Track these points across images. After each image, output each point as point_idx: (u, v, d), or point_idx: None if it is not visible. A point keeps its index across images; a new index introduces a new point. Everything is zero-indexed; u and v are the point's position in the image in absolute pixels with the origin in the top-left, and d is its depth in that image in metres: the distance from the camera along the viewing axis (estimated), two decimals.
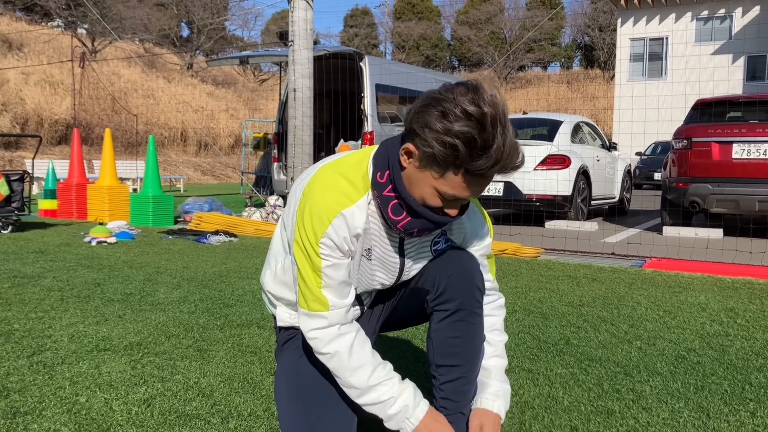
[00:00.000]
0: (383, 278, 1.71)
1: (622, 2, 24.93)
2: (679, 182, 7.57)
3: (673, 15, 24.46)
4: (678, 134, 7.75)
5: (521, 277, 4.85)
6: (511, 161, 1.40)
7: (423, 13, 49.12)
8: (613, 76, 29.37)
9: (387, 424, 1.62)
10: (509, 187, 8.56)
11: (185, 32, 41.61)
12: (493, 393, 1.74)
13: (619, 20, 25.58)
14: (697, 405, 2.27)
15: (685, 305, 3.92)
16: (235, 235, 7.02)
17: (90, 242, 6.41)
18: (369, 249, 1.64)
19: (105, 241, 6.42)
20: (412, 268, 1.74)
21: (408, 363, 2.70)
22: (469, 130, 1.34)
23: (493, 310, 1.84)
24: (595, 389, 2.42)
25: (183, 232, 7.24)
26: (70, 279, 4.49)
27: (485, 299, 1.78)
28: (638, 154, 20.26)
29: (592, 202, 9.34)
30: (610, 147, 10.33)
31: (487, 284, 1.79)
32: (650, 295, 4.23)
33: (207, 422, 2.08)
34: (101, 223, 7.46)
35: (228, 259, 5.57)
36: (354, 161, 1.60)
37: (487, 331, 1.78)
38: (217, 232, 6.95)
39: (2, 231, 7.27)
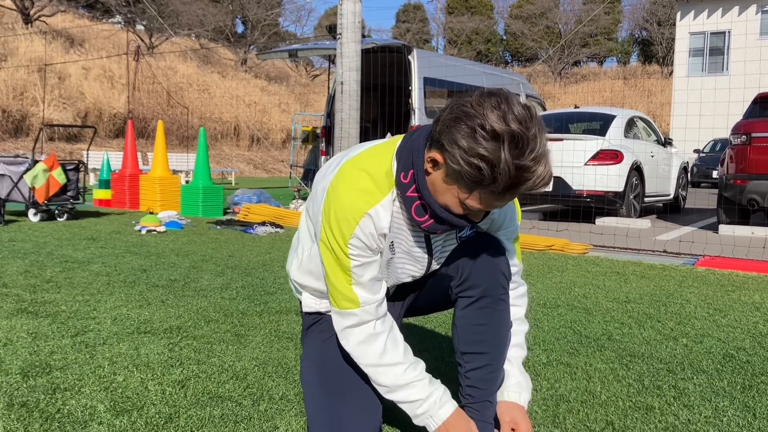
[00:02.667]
0: (413, 270, 1.69)
1: None
2: (737, 179, 7.30)
3: (737, 8, 23.59)
4: (736, 129, 7.47)
5: (567, 272, 4.75)
6: (541, 181, 1.33)
7: (476, 7, 48.69)
8: (672, 71, 28.58)
9: (413, 420, 1.62)
10: (558, 182, 8.40)
11: (240, 28, 42.27)
12: (517, 384, 1.73)
13: (679, 14, 24.83)
14: (743, 404, 2.18)
15: (737, 304, 3.77)
16: (281, 226, 7.08)
17: (140, 231, 6.56)
18: (392, 243, 1.61)
19: (155, 230, 6.56)
20: (440, 258, 1.71)
21: (432, 349, 2.67)
22: (495, 152, 1.28)
23: (516, 300, 1.80)
24: (635, 385, 2.35)
25: (231, 223, 7.35)
26: (118, 265, 4.60)
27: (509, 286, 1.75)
28: (696, 151, 19.67)
29: (646, 199, 9.09)
30: (666, 143, 10.03)
31: (512, 269, 1.75)
32: (701, 293, 4.09)
33: (238, 404, 2.09)
34: (152, 213, 7.63)
35: (273, 249, 5.62)
36: (377, 157, 1.56)
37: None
38: (264, 223, 7.03)
39: (58, 218, 7.51)
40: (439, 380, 1.66)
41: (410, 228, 1.61)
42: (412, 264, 1.68)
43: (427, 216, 1.50)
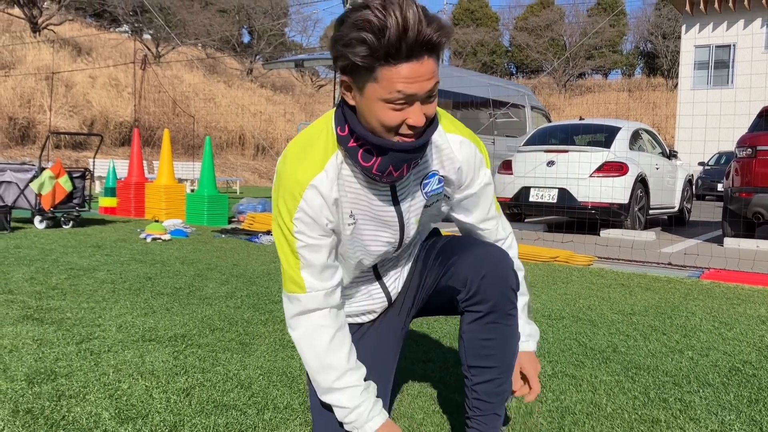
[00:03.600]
0: (386, 236, 1.61)
1: (687, 8, 24.25)
2: (742, 192, 7.29)
3: (742, 21, 23.64)
4: (742, 142, 7.46)
5: (572, 284, 4.75)
6: (421, 28, 1.29)
7: (481, 19, 48.87)
8: (677, 84, 28.60)
9: (344, 427, 1.61)
10: (563, 193, 8.40)
11: (246, 38, 42.48)
12: (526, 333, 1.80)
13: (684, 27, 24.88)
14: (750, 418, 2.17)
15: (743, 317, 3.76)
16: None
17: (145, 239, 6.57)
18: (351, 211, 1.54)
19: (160, 238, 6.58)
20: (412, 220, 1.63)
21: (437, 359, 2.66)
22: (361, 17, 1.28)
23: (508, 250, 1.81)
24: (641, 398, 2.34)
25: (236, 232, 7.36)
26: (123, 272, 4.61)
27: (501, 243, 1.81)
28: (701, 164, 19.67)
29: (650, 212, 9.08)
30: (671, 155, 10.03)
31: (489, 224, 1.76)
32: (706, 305, 4.07)
33: (243, 413, 2.09)
34: (157, 221, 7.64)
35: (277, 258, 5.63)
36: (316, 127, 1.54)
37: None
38: (268, 232, 7.04)
39: (64, 225, 7.53)
40: (374, 389, 1.62)
41: (369, 188, 1.54)
42: (384, 229, 1.60)
43: (374, 156, 1.44)
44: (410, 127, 1.38)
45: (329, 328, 1.56)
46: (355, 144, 1.45)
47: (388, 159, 1.43)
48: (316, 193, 1.47)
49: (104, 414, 2.04)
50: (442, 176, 1.62)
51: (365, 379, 1.61)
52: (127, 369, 2.48)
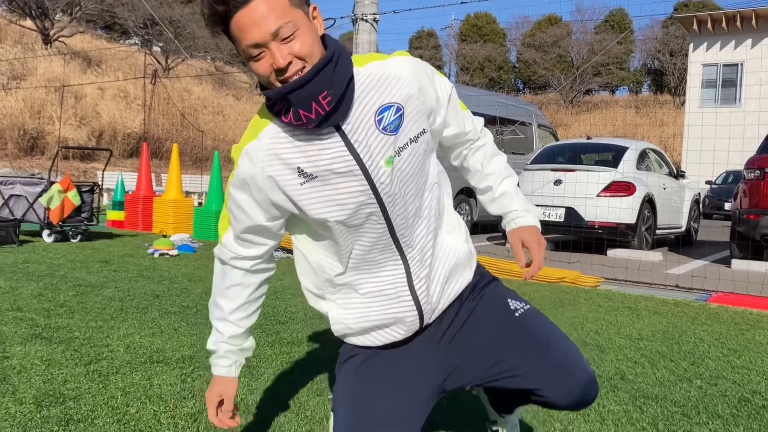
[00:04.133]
0: (354, 185, 1.48)
1: (695, 27, 24.31)
2: (750, 214, 7.27)
3: (750, 40, 23.68)
4: (750, 164, 7.45)
5: (579, 306, 4.73)
6: None
7: (489, 35, 49.07)
8: (684, 102, 28.61)
9: None
10: (570, 213, 8.39)
11: None
12: (522, 209, 1.76)
13: (691, 45, 24.92)
14: None
15: (752, 344, 3.74)
16: (292, 252, 7.10)
17: (153, 254, 6.59)
18: (299, 167, 1.48)
19: (167, 254, 6.60)
20: (379, 162, 1.48)
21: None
22: None
23: (481, 147, 1.79)
24: (649, 429, 2.33)
25: None
26: (131, 290, 4.62)
27: (472, 144, 1.78)
28: (708, 182, 19.62)
29: (657, 232, 9.06)
30: (678, 175, 10.02)
31: (466, 128, 1.72)
32: (714, 331, 4.05)
33: None
34: (165, 236, 7.67)
35: (284, 275, 5.63)
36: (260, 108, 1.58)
37: (483, 163, 1.78)
38: (277, 249, 7.04)
39: (72, 239, 7.56)
40: (248, 349, 1.75)
41: (315, 140, 1.47)
42: (347, 179, 1.48)
43: (283, 110, 1.44)
44: (278, 71, 1.36)
45: (231, 281, 1.67)
46: (273, 106, 1.47)
47: (293, 105, 1.40)
48: (247, 159, 1.50)
49: None
50: (397, 104, 1.50)
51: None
52: (135, 392, 2.48)
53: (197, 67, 33.30)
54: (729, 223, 8.66)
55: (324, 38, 1.44)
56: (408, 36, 63.52)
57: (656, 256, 8.06)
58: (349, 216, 1.51)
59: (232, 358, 1.71)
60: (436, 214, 1.64)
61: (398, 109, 1.49)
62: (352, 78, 1.45)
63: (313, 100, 1.38)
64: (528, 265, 1.70)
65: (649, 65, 48.43)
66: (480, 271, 1.78)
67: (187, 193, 16.28)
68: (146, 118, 21.40)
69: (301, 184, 1.49)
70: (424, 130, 1.54)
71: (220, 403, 1.70)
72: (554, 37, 44.97)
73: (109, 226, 9.74)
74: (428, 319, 1.65)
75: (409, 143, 1.51)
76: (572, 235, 8.66)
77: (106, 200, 15.17)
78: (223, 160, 24.05)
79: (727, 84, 24.02)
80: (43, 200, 7.27)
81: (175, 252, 6.70)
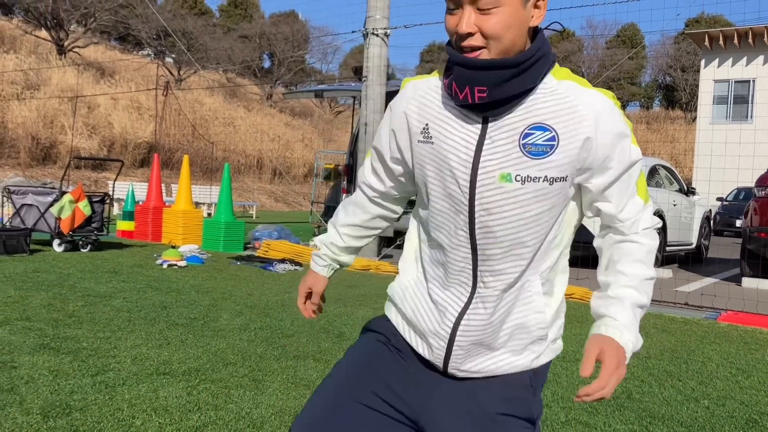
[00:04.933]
0: (459, 172, 1.34)
1: (707, 43, 24.29)
2: (761, 232, 7.23)
3: (761, 57, 23.63)
4: (761, 182, 7.42)
5: (587, 323, 4.71)
6: None
7: None
8: (695, 117, 28.54)
9: None
10: (580, 228, 8.36)
11: (266, 64, 43.02)
12: (624, 325, 1.33)
13: (703, 61, 24.89)
14: None
15: (761, 364, 3.71)
16: (300, 264, 7.11)
17: (161, 265, 6.62)
18: (427, 125, 1.39)
19: (176, 264, 6.62)
20: (493, 171, 1.32)
21: None
22: None
23: (638, 237, 1.40)
24: None
25: (251, 259, 7.39)
26: (139, 300, 4.64)
27: (620, 234, 1.42)
28: (719, 199, 19.52)
29: (667, 249, 9.01)
30: (689, 192, 9.98)
31: (627, 212, 1.40)
32: (723, 350, 4.02)
33: None
34: (174, 246, 7.70)
35: (291, 287, 5.64)
36: None
37: (622, 258, 1.39)
38: (283, 260, 7.06)
39: (82, 249, 7.60)
40: (351, 255, 1.72)
41: (459, 115, 1.36)
42: (454, 165, 1.34)
43: (449, 73, 1.34)
44: (460, 36, 1.27)
45: (355, 198, 1.67)
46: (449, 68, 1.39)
47: (453, 75, 1.31)
48: (406, 90, 1.46)
49: None
50: (555, 133, 1.30)
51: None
52: (141, 404, 2.49)
53: (209, 78, 33.55)
54: (740, 240, 8.61)
55: (536, 33, 1.33)
56: (419, 50, 63.78)
57: (666, 273, 8.02)
58: (436, 200, 1.40)
59: (327, 260, 1.72)
60: (537, 267, 1.41)
61: (552, 138, 1.30)
62: (532, 89, 1.31)
63: (468, 85, 1.28)
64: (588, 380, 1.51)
65: (660, 81, 48.38)
66: (527, 393, 1.42)
67: (197, 204, 16.34)
68: (157, 129, 21.56)
69: (420, 141, 1.40)
70: (565, 177, 1.32)
71: (309, 295, 1.72)
72: (565, 51, 45.03)
73: (119, 236, 9.79)
74: (450, 367, 1.42)
75: (539, 179, 1.31)
76: (581, 251, 8.62)
77: (116, 210, 15.25)
78: (233, 172, 24.14)
79: (739, 100, 23.96)
80: (54, 210, 7.32)
81: (183, 263, 6.73)
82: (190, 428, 2.28)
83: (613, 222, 1.43)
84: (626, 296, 1.37)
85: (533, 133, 1.30)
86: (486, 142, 1.32)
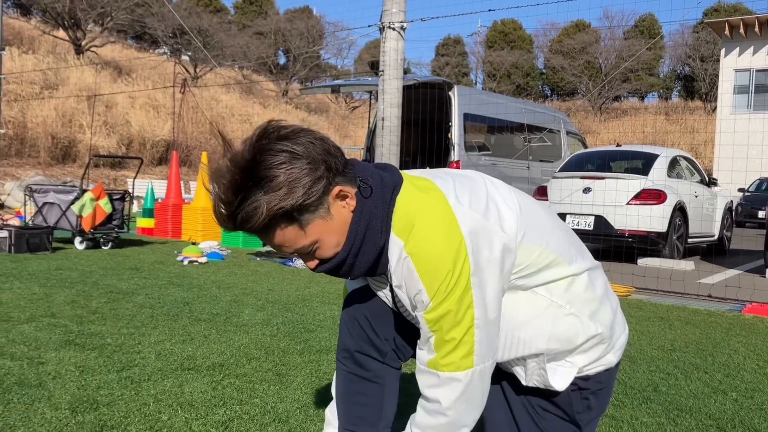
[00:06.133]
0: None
1: (727, 32, 23.95)
2: None
3: None
4: None
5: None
6: (229, 221, 1.39)
7: (515, 42, 48.87)
8: (715, 108, 28.20)
9: None
10: (600, 221, 8.30)
11: (282, 60, 43.10)
12: None
13: (723, 50, 24.56)
14: None
15: None
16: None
17: (182, 261, 6.66)
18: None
19: (196, 261, 6.66)
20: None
21: None
22: None
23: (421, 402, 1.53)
24: None
25: (270, 254, 7.42)
26: (161, 297, 4.67)
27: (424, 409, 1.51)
28: (741, 190, 19.28)
29: (689, 240, 8.92)
30: (710, 183, 9.87)
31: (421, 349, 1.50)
32: (749, 342, 3.97)
33: None
34: (194, 243, 7.74)
35: (311, 283, 5.65)
36: None
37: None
38: None
39: (103, 247, 7.67)
40: None
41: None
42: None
43: None
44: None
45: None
46: None
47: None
48: None
49: None
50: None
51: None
52: (166, 399, 2.51)
53: (225, 75, 33.68)
54: (763, 231, 8.50)
55: (354, 214, 1.42)
56: (434, 43, 63.54)
57: (688, 265, 7.94)
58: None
59: None
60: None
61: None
62: (380, 255, 1.46)
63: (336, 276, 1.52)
64: None
65: (679, 71, 47.83)
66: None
67: None
68: (175, 126, 21.68)
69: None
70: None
71: None
72: (582, 43, 44.64)
73: (139, 234, 9.86)
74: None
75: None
76: (602, 243, 8.57)
77: (135, 208, 15.37)
78: None
79: (760, 90, 23.62)
80: (75, 208, 7.39)
81: (204, 260, 6.76)
82: (216, 423, 2.28)
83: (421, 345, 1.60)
84: None
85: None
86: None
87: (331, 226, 1.40)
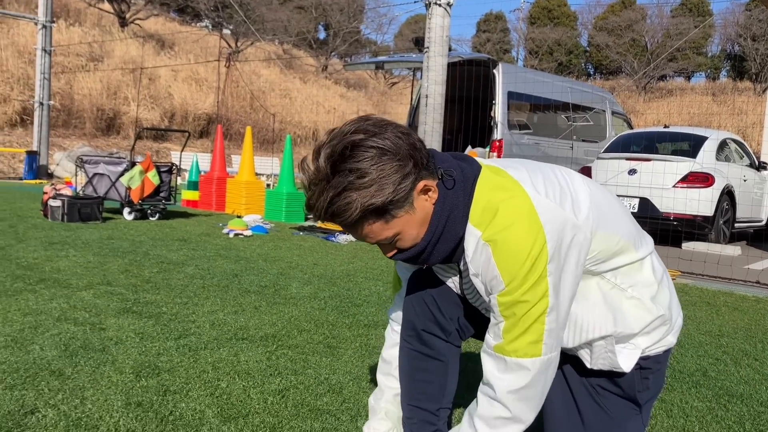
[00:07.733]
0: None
1: None
2: None
3: None
4: None
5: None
6: (322, 214, 1.41)
7: (559, 18, 47.95)
8: (766, 89, 27.35)
9: None
10: (645, 203, 8.19)
11: (322, 35, 43.04)
12: None
13: None
14: None
15: None
16: None
17: (228, 234, 6.79)
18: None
19: (242, 234, 6.78)
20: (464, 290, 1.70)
21: None
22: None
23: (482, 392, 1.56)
24: (735, 427, 2.29)
25: (313, 229, 7.51)
26: (211, 268, 4.79)
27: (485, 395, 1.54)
28: None
29: (736, 225, 8.75)
30: (760, 167, 9.64)
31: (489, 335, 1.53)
32: None
33: (337, 418, 2.16)
34: (239, 216, 7.87)
35: (354, 258, 5.72)
36: None
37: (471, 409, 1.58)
38: (344, 231, 7.14)
39: (150, 218, 7.85)
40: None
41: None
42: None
43: None
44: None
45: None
46: None
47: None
48: None
49: (207, 411, 2.15)
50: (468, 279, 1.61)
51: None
52: (224, 367, 2.59)
53: (266, 49, 33.78)
54: None
55: (436, 206, 1.46)
56: (476, 20, 62.72)
57: (735, 250, 7.80)
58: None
59: None
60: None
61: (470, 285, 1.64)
62: (456, 246, 1.51)
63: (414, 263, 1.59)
64: None
65: (728, 50, 46.43)
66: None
67: (257, 175, 16.60)
68: (218, 101, 21.90)
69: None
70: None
71: None
72: (628, 20, 43.58)
73: (184, 206, 10.06)
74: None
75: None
76: (647, 226, 8.46)
77: (181, 180, 15.64)
78: (294, 144, 24.44)
79: None
80: (124, 179, 7.56)
81: (249, 233, 6.88)
82: (273, 391, 2.36)
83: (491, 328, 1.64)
84: None
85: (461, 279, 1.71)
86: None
87: (414, 219, 1.44)
